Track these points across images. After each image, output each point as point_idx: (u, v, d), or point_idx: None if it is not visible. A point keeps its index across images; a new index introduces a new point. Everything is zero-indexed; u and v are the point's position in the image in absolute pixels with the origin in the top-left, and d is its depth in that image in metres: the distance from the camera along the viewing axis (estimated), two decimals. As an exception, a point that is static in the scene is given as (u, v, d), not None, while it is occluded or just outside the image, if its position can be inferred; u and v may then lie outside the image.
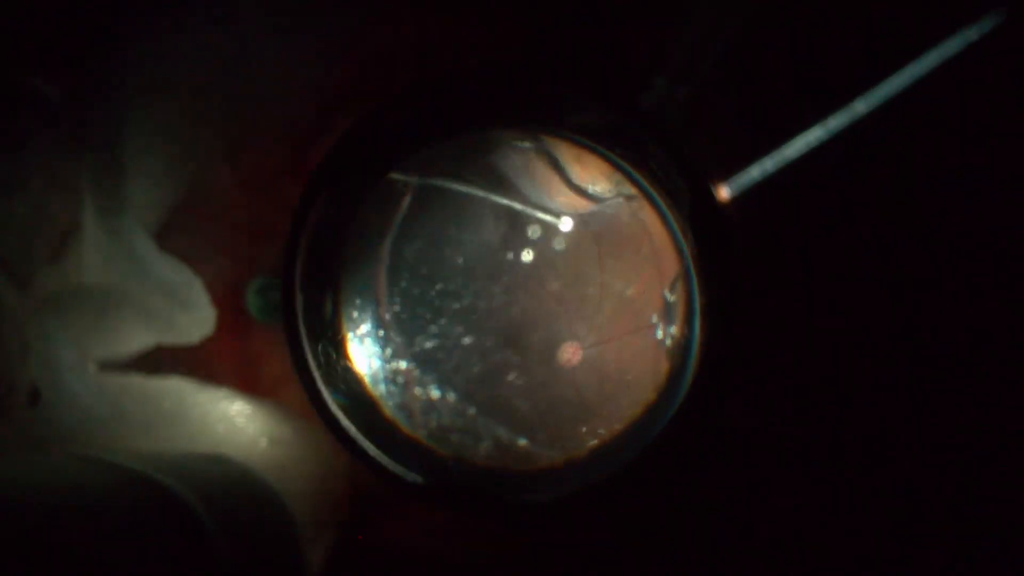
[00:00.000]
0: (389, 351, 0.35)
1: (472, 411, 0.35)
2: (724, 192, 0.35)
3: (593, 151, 0.36)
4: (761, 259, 0.35)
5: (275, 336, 0.35)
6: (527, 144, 0.36)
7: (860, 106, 0.32)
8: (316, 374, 0.33)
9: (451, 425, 0.35)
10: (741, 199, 0.34)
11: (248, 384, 0.37)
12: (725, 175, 0.34)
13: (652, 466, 0.34)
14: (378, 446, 0.34)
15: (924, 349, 0.33)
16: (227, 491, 0.28)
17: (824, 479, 0.34)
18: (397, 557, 0.37)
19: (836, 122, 0.32)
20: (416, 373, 0.35)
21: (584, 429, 0.35)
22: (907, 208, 0.32)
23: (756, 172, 0.34)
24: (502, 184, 0.35)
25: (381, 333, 0.35)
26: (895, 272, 0.32)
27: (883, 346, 0.33)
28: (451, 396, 0.35)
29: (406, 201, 0.35)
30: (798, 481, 0.35)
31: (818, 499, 0.34)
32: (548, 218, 0.35)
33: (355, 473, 0.36)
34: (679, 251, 0.35)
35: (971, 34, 0.30)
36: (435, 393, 0.35)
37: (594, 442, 0.35)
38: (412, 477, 0.33)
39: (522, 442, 0.35)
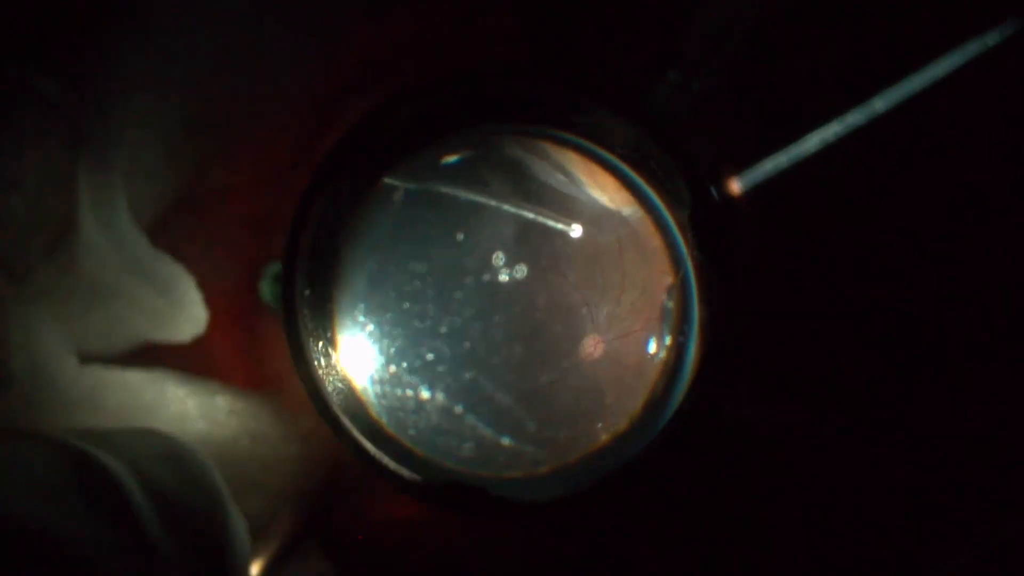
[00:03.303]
0: (385, 348, 0.34)
1: (460, 407, 0.34)
2: (736, 186, 0.34)
3: (593, 153, 0.35)
4: (769, 253, 0.34)
5: (275, 330, 0.33)
6: (526, 147, 0.35)
7: (879, 103, 0.32)
8: (315, 367, 0.32)
9: (439, 423, 0.34)
10: (753, 193, 0.34)
11: (244, 379, 0.35)
12: (738, 169, 0.34)
13: (652, 467, 0.33)
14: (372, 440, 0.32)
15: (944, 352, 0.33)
16: (154, 461, 0.28)
17: (824, 482, 0.34)
18: (395, 555, 0.35)
19: (854, 118, 0.33)
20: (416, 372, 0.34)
21: (596, 426, 0.34)
22: (920, 205, 0.33)
23: (770, 167, 0.34)
24: (502, 188, 0.34)
25: (376, 331, 0.34)
26: (910, 269, 0.32)
27: (895, 347, 0.33)
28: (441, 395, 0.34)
29: (398, 204, 0.34)
30: (797, 484, 0.34)
31: (816, 501, 0.34)
32: (549, 223, 0.34)
33: (346, 470, 0.35)
34: (678, 255, 0.35)
35: (991, 38, 0.31)
36: (426, 393, 0.34)
37: (600, 440, 0.34)
38: (411, 475, 0.32)
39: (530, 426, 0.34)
